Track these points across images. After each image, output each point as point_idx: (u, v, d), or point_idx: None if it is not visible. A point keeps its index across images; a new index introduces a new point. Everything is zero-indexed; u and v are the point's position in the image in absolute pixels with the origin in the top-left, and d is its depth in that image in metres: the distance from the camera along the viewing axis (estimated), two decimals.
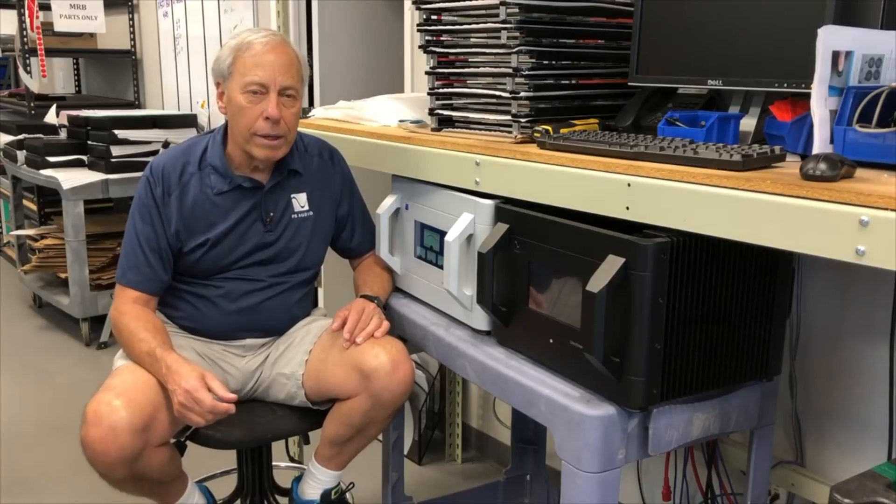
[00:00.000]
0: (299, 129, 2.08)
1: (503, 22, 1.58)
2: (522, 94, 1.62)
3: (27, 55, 4.62)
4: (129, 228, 1.80)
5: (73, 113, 4.18)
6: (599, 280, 1.27)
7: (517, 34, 1.58)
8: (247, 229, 1.82)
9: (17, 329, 4.20)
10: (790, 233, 1.08)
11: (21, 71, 4.73)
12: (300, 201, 1.88)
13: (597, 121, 1.67)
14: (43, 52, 4.62)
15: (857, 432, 1.66)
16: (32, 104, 4.84)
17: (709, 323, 1.35)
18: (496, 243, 1.52)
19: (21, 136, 4.30)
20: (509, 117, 1.64)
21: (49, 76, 5.46)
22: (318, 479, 1.88)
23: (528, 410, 1.46)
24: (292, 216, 1.87)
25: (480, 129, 1.74)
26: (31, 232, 4.35)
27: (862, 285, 1.61)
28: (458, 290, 1.66)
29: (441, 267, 1.74)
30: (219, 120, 1.83)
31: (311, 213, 1.90)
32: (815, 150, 1.26)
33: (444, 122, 1.83)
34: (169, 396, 1.64)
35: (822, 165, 1.10)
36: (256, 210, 1.83)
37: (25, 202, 4.63)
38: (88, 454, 1.55)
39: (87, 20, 4.75)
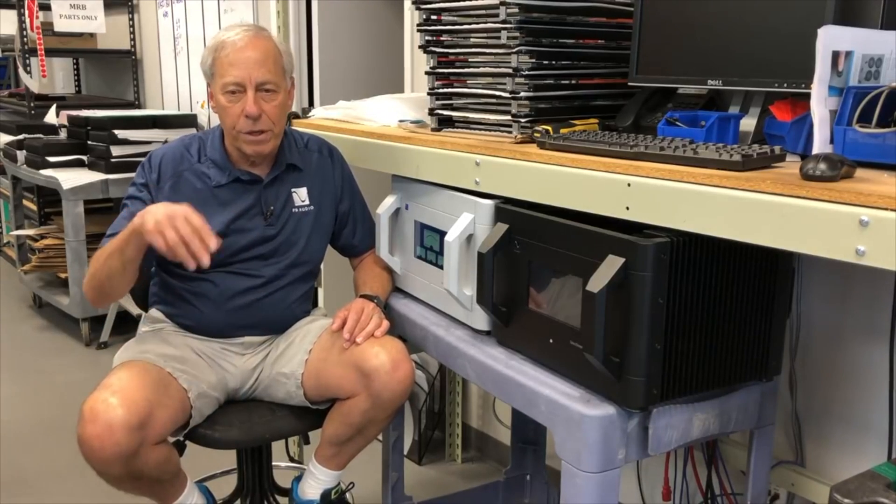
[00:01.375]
0: (299, 127, 2.09)
1: (503, 22, 1.58)
2: (522, 94, 1.62)
3: (27, 55, 4.62)
4: (121, 211, 1.82)
5: (73, 113, 4.18)
6: (599, 280, 1.27)
7: (517, 34, 1.58)
8: (247, 223, 1.83)
9: (17, 329, 4.20)
10: (790, 233, 1.08)
11: (21, 71, 4.73)
12: (300, 195, 1.89)
13: (597, 121, 1.67)
14: (43, 52, 4.62)
15: (857, 432, 1.66)
16: (32, 104, 4.84)
17: (709, 323, 1.35)
18: (496, 243, 1.52)
19: (21, 136, 4.30)
20: (509, 117, 1.64)
21: (49, 76, 5.46)
22: (318, 479, 1.87)
23: (528, 410, 1.46)
24: (293, 210, 1.88)
25: (480, 129, 1.74)
26: (31, 232, 4.35)
27: (862, 285, 1.61)
28: (458, 290, 1.66)
29: (441, 267, 1.74)
30: (218, 120, 1.84)
31: (311, 207, 1.91)
32: (815, 150, 1.26)
33: (444, 122, 1.83)
34: (167, 395, 1.65)
35: (822, 165, 1.10)
36: (257, 204, 1.84)
37: (25, 202, 4.63)
38: (85, 451, 1.55)
39: (87, 20, 4.75)
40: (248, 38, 1.74)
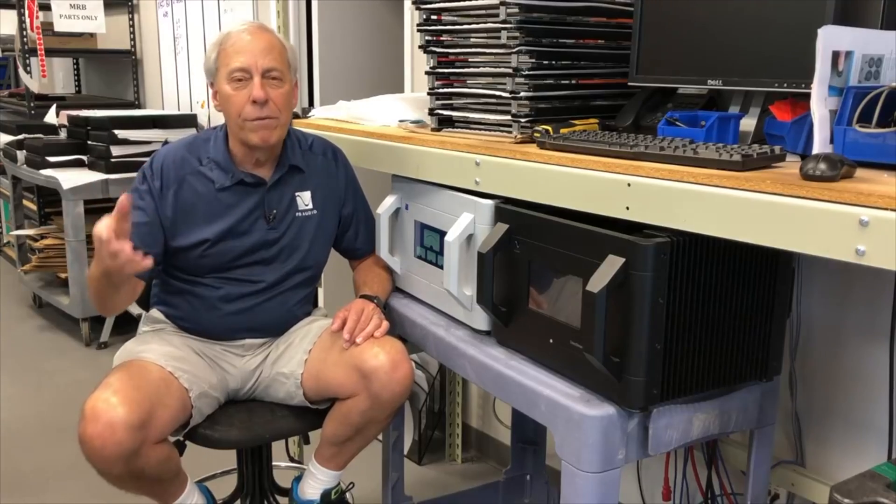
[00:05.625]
0: (302, 128, 2.09)
1: (503, 22, 1.58)
2: (522, 94, 1.62)
3: (27, 55, 4.62)
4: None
5: (73, 113, 4.18)
6: (599, 280, 1.27)
7: (517, 34, 1.58)
8: (249, 226, 1.82)
9: (17, 329, 4.20)
10: (790, 233, 1.08)
11: (21, 71, 4.73)
12: (304, 199, 1.89)
13: (597, 121, 1.67)
14: (43, 52, 4.62)
15: (857, 432, 1.66)
16: (32, 104, 4.84)
17: (709, 323, 1.35)
18: (496, 243, 1.52)
19: (21, 136, 4.30)
20: (509, 117, 1.64)
21: (49, 76, 5.46)
22: (318, 479, 1.87)
23: (528, 410, 1.46)
24: (296, 214, 1.87)
25: (480, 129, 1.74)
26: (31, 232, 4.35)
27: (862, 285, 1.61)
28: (458, 290, 1.66)
29: (441, 267, 1.74)
30: (218, 120, 1.83)
31: (314, 211, 1.90)
32: (815, 150, 1.26)
33: (444, 122, 1.83)
34: (167, 394, 1.66)
35: (822, 165, 1.10)
36: (259, 207, 1.83)
37: (25, 202, 4.63)
38: (86, 451, 1.56)
39: (87, 20, 4.76)
40: (253, 28, 1.78)
